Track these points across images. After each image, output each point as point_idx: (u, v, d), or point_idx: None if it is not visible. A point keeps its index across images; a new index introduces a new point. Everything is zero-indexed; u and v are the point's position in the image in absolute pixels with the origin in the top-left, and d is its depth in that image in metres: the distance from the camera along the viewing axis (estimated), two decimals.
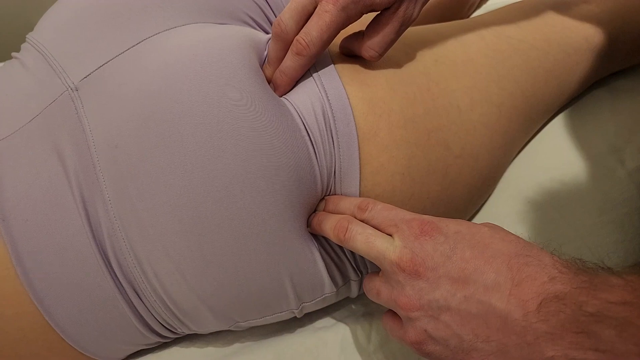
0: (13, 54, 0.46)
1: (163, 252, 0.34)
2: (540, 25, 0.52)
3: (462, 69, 0.44)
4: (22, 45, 0.45)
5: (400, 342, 0.33)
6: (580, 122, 0.57)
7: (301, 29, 0.36)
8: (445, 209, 0.42)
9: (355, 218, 0.35)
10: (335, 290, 0.39)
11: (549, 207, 0.51)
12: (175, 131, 0.34)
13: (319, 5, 0.35)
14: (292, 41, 0.36)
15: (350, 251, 0.39)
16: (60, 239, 0.35)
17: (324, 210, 0.38)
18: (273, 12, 0.47)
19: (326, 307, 0.43)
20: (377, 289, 0.34)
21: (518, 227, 0.50)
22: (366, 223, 0.35)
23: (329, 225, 0.35)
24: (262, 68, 0.38)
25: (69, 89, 0.38)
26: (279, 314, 0.39)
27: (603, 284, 0.26)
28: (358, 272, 0.40)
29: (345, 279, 0.40)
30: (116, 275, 0.35)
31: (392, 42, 0.38)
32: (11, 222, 0.35)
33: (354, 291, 0.42)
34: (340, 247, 0.39)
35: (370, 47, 0.37)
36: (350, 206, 0.36)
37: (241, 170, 0.33)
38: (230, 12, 0.43)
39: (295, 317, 0.41)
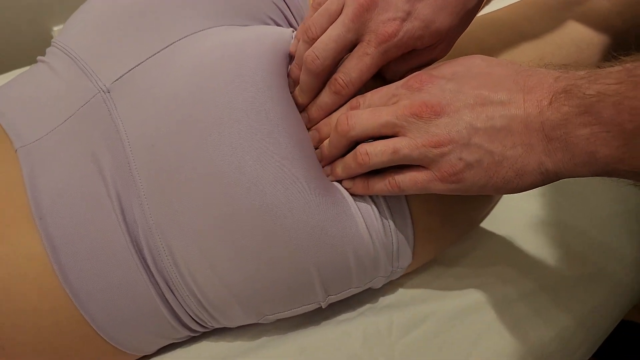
0: (39, 57, 0.47)
1: (197, 249, 0.35)
2: (553, 20, 0.53)
3: None
4: (48, 50, 0.46)
5: (428, 187, 0.34)
6: None
7: (336, 63, 0.37)
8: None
9: None
10: (362, 285, 0.41)
11: (562, 199, 0.52)
12: (211, 133, 0.35)
13: (360, 46, 0.36)
14: (325, 73, 0.37)
15: (393, 241, 0.39)
16: (96, 236, 0.36)
17: (320, 137, 0.39)
18: (292, 13, 0.48)
19: (348, 300, 0.44)
20: (392, 147, 0.34)
21: (532, 219, 0.51)
22: None
23: (332, 138, 0.37)
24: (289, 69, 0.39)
25: (101, 91, 0.39)
26: (306, 305, 0.40)
27: (602, 72, 0.29)
28: (390, 267, 0.41)
29: (376, 274, 0.41)
30: (150, 272, 0.37)
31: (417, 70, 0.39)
32: (48, 221, 0.36)
33: (379, 284, 0.43)
34: (380, 242, 0.39)
35: (395, 72, 0.39)
36: (343, 112, 0.37)
37: (273, 172, 0.35)
38: (252, 14, 0.44)
39: (319, 309, 0.42)
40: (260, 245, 0.36)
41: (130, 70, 0.39)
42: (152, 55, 0.40)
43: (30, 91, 0.43)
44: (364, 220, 0.38)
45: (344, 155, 0.38)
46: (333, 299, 0.41)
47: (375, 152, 0.34)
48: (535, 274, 0.48)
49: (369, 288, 0.44)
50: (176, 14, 0.41)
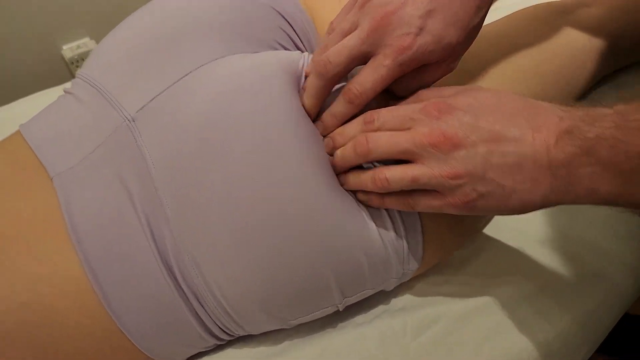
0: (65, 89, 0.50)
1: (222, 263, 0.38)
2: (546, 30, 0.56)
3: (479, 74, 0.48)
4: (73, 81, 0.49)
5: (441, 210, 0.36)
6: None
7: (347, 72, 0.39)
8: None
9: None
10: (376, 286, 0.43)
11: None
12: (229, 153, 0.38)
13: (376, 57, 0.37)
14: (335, 80, 0.39)
15: (403, 245, 0.42)
16: (129, 257, 0.39)
17: (333, 146, 0.40)
18: (298, 36, 0.51)
19: (364, 303, 0.47)
20: (412, 176, 0.36)
21: (531, 225, 0.54)
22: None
23: (348, 150, 0.38)
24: (300, 90, 0.42)
25: (127, 120, 0.42)
26: (325, 309, 0.43)
27: (598, 115, 0.32)
28: (401, 269, 0.43)
29: (388, 277, 0.44)
30: (180, 287, 0.40)
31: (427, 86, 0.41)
32: (85, 244, 0.39)
33: (391, 286, 0.46)
34: (392, 246, 0.41)
35: (406, 87, 0.40)
36: (356, 127, 0.39)
37: (290, 190, 0.38)
38: (262, 41, 0.47)
39: (337, 313, 0.45)
40: (280, 253, 0.38)
41: (152, 99, 0.42)
42: (172, 84, 0.42)
43: (60, 122, 0.45)
44: (376, 225, 0.40)
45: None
46: (349, 300, 0.44)
47: (395, 179, 0.36)
48: (536, 276, 0.50)
49: (382, 291, 0.47)
50: (192, 44, 0.44)
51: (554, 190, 0.33)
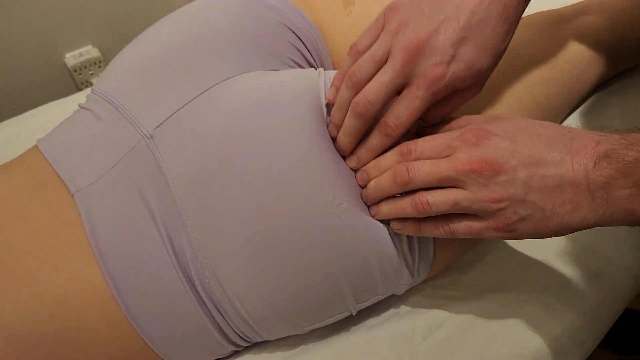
0: (80, 104, 0.52)
1: (241, 274, 0.40)
2: (547, 40, 0.57)
3: (487, 89, 0.50)
4: (89, 96, 0.51)
5: (482, 234, 0.37)
6: (590, 122, 0.63)
7: (384, 107, 0.39)
8: None
9: None
10: (387, 292, 0.45)
11: None
12: (246, 168, 0.40)
13: (409, 89, 0.38)
14: (374, 117, 0.39)
15: (415, 253, 0.44)
16: (150, 269, 0.41)
17: (368, 179, 0.40)
18: (309, 51, 0.52)
19: (375, 307, 0.49)
20: (454, 200, 0.36)
21: None
22: None
23: (386, 180, 0.38)
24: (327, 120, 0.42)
25: (145, 137, 0.44)
26: (338, 315, 0.45)
27: (635, 139, 0.33)
28: (412, 275, 0.45)
29: (399, 282, 0.45)
30: (200, 297, 0.41)
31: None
32: (107, 258, 0.41)
33: (402, 291, 0.47)
34: (404, 253, 0.43)
35: (437, 115, 0.41)
36: (392, 158, 0.39)
37: (307, 207, 0.39)
38: (274, 57, 0.49)
39: (349, 317, 0.47)
40: (296, 263, 0.40)
41: (170, 117, 0.44)
42: (189, 102, 0.44)
43: (78, 138, 0.47)
44: (389, 234, 0.42)
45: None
46: (362, 305, 0.46)
47: (437, 202, 0.37)
48: (540, 277, 0.52)
49: (392, 295, 0.49)
50: (208, 62, 0.46)
51: (593, 211, 0.34)
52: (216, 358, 0.47)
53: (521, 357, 0.47)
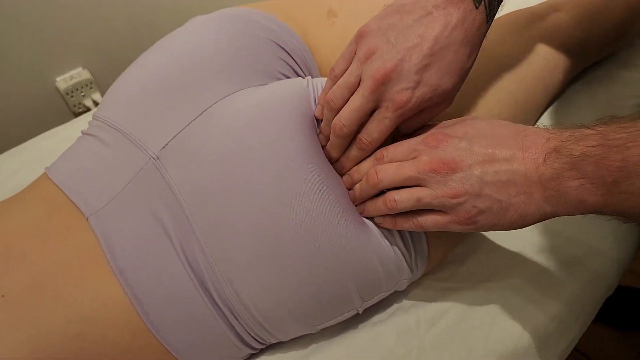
0: (83, 130, 0.54)
1: (253, 280, 0.43)
2: (521, 38, 0.61)
3: (465, 90, 0.53)
4: (92, 123, 0.53)
5: (446, 227, 0.41)
6: (564, 114, 0.66)
7: (359, 126, 0.44)
8: None
9: None
10: (390, 289, 0.48)
11: None
12: (250, 182, 0.43)
13: (379, 111, 0.42)
14: (351, 136, 0.44)
15: (410, 248, 0.47)
16: (168, 281, 0.43)
17: (352, 181, 0.46)
18: (297, 63, 0.55)
19: (379, 304, 0.52)
20: (416, 197, 0.40)
21: None
22: None
23: (363, 184, 0.44)
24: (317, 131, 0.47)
25: (152, 158, 0.46)
26: (346, 313, 0.48)
27: (582, 135, 0.36)
28: (411, 270, 0.48)
29: (400, 278, 0.48)
30: (216, 304, 0.44)
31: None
32: (127, 274, 0.43)
33: (403, 286, 0.50)
34: (401, 252, 0.47)
35: (409, 127, 0.45)
36: (369, 163, 0.45)
37: (308, 210, 0.42)
38: (266, 72, 0.52)
39: (356, 315, 0.50)
40: (306, 269, 0.43)
41: (174, 137, 0.47)
42: (191, 122, 0.47)
43: (87, 164, 0.49)
44: (385, 236, 0.46)
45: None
46: (368, 304, 0.49)
47: (402, 199, 0.41)
48: (527, 266, 0.56)
49: (395, 291, 0.51)
50: (206, 83, 0.49)
51: (547, 201, 0.37)
52: None
53: (520, 339, 0.50)
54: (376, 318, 0.52)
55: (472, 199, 0.39)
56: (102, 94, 1.28)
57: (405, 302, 0.53)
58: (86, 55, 1.24)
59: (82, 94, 1.25)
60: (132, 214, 0.45)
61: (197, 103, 0.48)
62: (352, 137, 0.45)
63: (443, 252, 0.53)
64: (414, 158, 0.41)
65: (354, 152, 0.45)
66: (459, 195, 0.39)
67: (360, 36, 0.44)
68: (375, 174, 0.42)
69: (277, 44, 0.54)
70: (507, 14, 0.64)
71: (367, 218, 0.46)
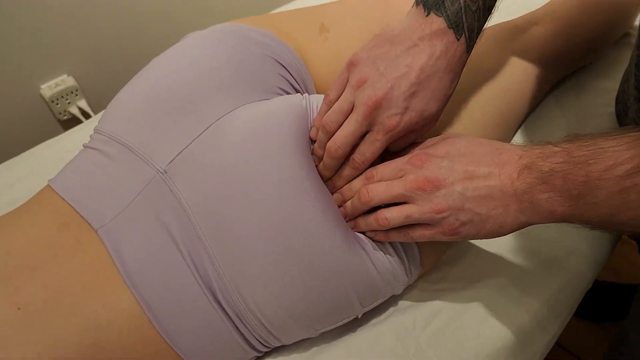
0: (85, 144, 0.55)
1: (261, 287, 0.45)
2: (503, 51, 0.64)
3: (452, 102, 0.56)
4: (94, 137, 0.54)
5: (434, 238, 0.44)
6: (541, 121, 0.70)
7: (352, 148, 0.47)
8: None
9: None
10: (387, 295, 0.51)
11: None
12: (254, 194, 0.45)
13: (370, 134, 0.46)
14: (344, 157, 0.47)
15: (405, 256, 0.50)
16: (179, 289, 0.45)
17: (343, 199, 0.49)
18: (294, 78, 0.57)
19: (377, 306, 0.55)
20: (406, 214, 0.44)
21: None
22: None
23: (355, 201, 0.47)
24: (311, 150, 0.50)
25: (159, 172, 0.48)
26: (347, 318, 0.51)
27: (550, 152, 0.40)
28: (406, 276, 0.51)
29: (396, 284, 0.51)
30: (224, 310, 0.46)
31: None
32: (138, 284, 0.45)
33: (399, 291, 0.53)
34: (395, 262, 0.50)
35: (397, 146, 0.49)
36: (360, 182, 0.48)
37: (312, 222, 0.45)
38: (265, 88, 0.54)
39: (355, 319, 0.52)
40: (308, 276, 0.46)
41: (180, 152, 0.49)
42: (197, 137, 0.49)
43: (93, 177, 0.51)
44: (380, 249, 0.49)
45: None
46: (367, 309, 0.51)
47: (393, 217, 0.45)
48: (510, 269, 0.59)
49: (392, 295, 0.54)
50: (209, 99, 0.51)
51: (522, 212, 0.41)
52: None
53: (506, 336, 0.54)
54: (374, 320, 0.55)
55: (455, 213, 0.42)
56: (88, 101, 1.28)
57: (401, 304, 0.56)
58: (71, 62, 1.24)
59: (68, 101, 1.25)
60: (141, 225, 0.47)
61: (201, 119, 0.50)
62: (344, 159, 0.48)
63: (435, 257, 0.57)
64: (401, 177, 0.45)
65: (347, 171, 0.48)
66: (443, 210, 0.43)
67: (351, 65, 0.47)
68: (367, 193, 0.46)
69: (274, 59, 0.56)
70: (491, 26, 0.68)
71: (365, 235, 0.49)
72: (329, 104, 0.49)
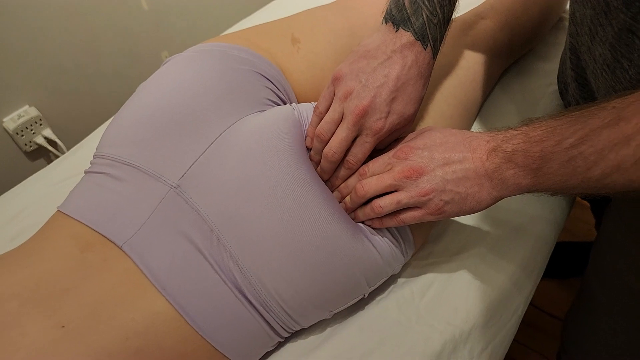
0: (87, 170, 0.58)
1: (282, 279, 0.51)
2: (457, 47, 0.72)
3: (424, 100, 0.63)
4: (96, 162, 0.57)
5: (424, 219, 0.51)
6: (498, 104, 0.78)
7: (345, 152, 0.54)
8: None
9: None
10: (390, 273, 0.58)
11: None
12: (268, 196, 0.51)
13: (360, 137, 0.53)
14: (340, 161, 0.54)
15: (401, 240, 0.57)
16: (208, 291, 0.50)
17: (342, 195, 0.56)
18: (277, 88, 0.63)
19: (379, 285, 0.61)
20: (397, 200, 0.51)
21: None
22: None
23: (352, 196, 0.54)
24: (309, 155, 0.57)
25: (172, 187, 0.52)
26: (356, 298, 0.57)
27: (511, 136, 0.47)
28: (403, 256, 0.58)
29: (396, 264, 0.58)
30: (251, 302, 0.51)
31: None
32: (169, 290, 0.49)
33: (398, 269, 0.60)
34: (393, 243, 0.56)
35: (383, 144, 0.56)
36: (355, 179, 0.55)
37: (322, 218, 0.51)
38: (257, 101, 0.59)
39: (362, 299, 0.58)
40: (322, 263, 0.51)
41: (190, 167, 0.53)
42: (203, 152, 0.53)
43: (106, 199, 0.54)
44: (379, 235, 0.56)
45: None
46: (372, 288, 0.58)
47: (386, 204, 0.51)
48: (486, 239, 0.68)
49: (392, 274, 0.61)
50: (210, 115, 0.55)
51: (495, 188, 0.48)
52: (266, 351, 0.57)
53: (490, 296, 0.62)
54: (378, 296, 0.62)
55: (438, 194, 0.50)
56: (53, 130, 1.27)
57: (399, 280, 0.63)
58: (31, 92, 1.23)
59: (32, 132, 1.24)
60: (163, 236, 0.51)
61: (204, 135, 0.54)
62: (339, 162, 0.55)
63: (423, 237, 0.64)
64: (389, 170, 0.52)
65: (342, 172, 0.55)
66: (428, 193, 0.50)
67: (336, 79, 0.54)
68: (362, 187, 0.52)
69: (259, 73, 0.61)
70: None
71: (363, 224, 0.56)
72: (319, 116, 0.55)
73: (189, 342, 0.49)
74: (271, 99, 0.61)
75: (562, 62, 0.73)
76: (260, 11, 1.15)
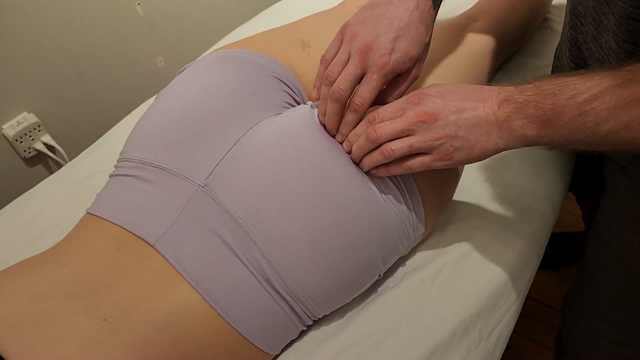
0: (112, 173, 0.61)
1: (306, 268, 0.54)
2: (454, 44, 0.76)
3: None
4: (122, 164, 0.60)
5: (432, 165, 0.52)
6: None
7: (352, 92, 0.54)
8: None
9: None
10: (402, 252, 0.62)
11: (500, 170, 0.77)
12: (294, 187, 0.54)
13: (366, 75, 0.54)
14: (346, 100, 0.54)
15: (412, 216, 0.60)
16: (238, 284, 0.53)
17: (350, 144, 0.56)
18: (292, 90, 0.66)
19: (391, 273, 0.66)
20: (409, 144, 0.51)
21: (482, 188, 0.75)
22: None
23: (361, 141, 0.53)
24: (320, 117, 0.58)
25: (200, 186, 0.56)
26: (373, 278, 0.61)
27: (523, 87, 0.49)
28: (414, 234, 0.62)
29: (407, 242, 0.62)
30: (279, 294, 0.54)
31: (404, 92, 0.58)
32: (202, 283, 0.52)
33: (407, 250, 0.64)
34: (406, 219, 0.59)
35: (390, 96, 0.57)
36: (363, 126, 0.55)
37: (341, 216, 0.55)
38: (276, 104, 0.63)
39: (376, 285, 0.62)
40: (346, 253, 0.55)
41: (216, 166, 0.56)
42: (227, 152, 0.57)
43: (135, 199, 0.56)
44: (394, 207, 0.58)
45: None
46: (386, 267, 0.61)
47: (398, 148, 0.52)
48: (494, 220, 0.72)
49: (401, 260, 0.65)
50: (234, 117, 0.58)
51: (502, 138, 0.50)
52: (291, 339, 0.60)
53: (498, 276, 0.66)
54: (391, 283, 0.66)
55: (450, 140, 0.51)
56: (52, 135, 1.28)
57: (409, 267, 0.67)
58: (30, 99, 1.24)
59: (32, 138, 1.25)
60: (193, 234, 0.54)
61: (228, 136, 0.58)
62: (345, 105, 0.55)
63: (434, 219, 0.67)
64: (400, 116, 0.52)
65: (349, 116, 0.55)
66: (441, 138, 0.51)
67: (344, 27, 0.57)
68: (374, 132, 0.52)
69: (277, 78, 0.65)
70: (439, 25, 0.80)
71: (368, 172, 0.56)
72: (325, 63, 0.57)
73: (221, 332, 0.52)
74: (287, 101, 0.64)
75: (557, 57, 0.78)
76: (255, 19, 1.18)
